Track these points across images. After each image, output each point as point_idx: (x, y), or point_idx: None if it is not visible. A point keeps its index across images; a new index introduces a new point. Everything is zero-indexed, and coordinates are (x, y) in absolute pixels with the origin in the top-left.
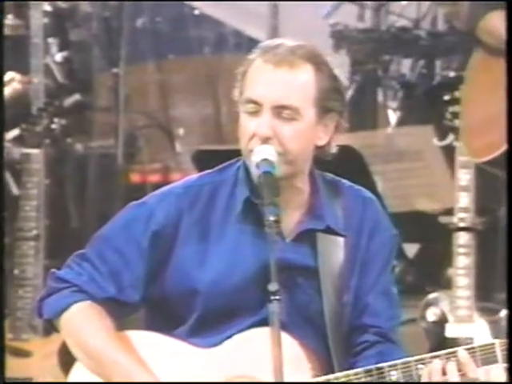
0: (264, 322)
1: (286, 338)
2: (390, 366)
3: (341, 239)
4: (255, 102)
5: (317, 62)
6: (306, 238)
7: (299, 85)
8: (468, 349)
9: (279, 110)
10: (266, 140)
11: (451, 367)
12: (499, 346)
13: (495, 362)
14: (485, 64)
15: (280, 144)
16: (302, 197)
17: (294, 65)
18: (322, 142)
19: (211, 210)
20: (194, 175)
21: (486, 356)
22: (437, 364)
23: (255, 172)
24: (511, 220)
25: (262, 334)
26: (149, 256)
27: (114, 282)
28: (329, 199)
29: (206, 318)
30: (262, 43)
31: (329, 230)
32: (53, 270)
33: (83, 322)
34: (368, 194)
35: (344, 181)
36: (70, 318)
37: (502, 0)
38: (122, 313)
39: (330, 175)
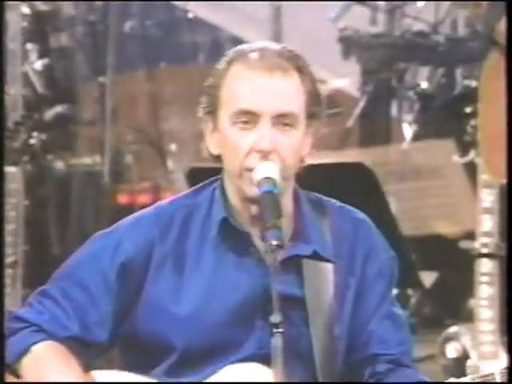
0: (248, 360)
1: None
2: None
3: (330, 265)
4: (251, 113)
5: (300, 64)
6: (291, 264)
7: (294, 89)
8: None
9: (278, 120)
10: (267, 155)
11: None
12: (499, 374)
13: None
14: (500, 69)
15: (280, 159)
16: (285, 218)
17: (285, 69)
18: (305, 155)
19: (185, 237)
20: (166, 199)
21: None
22: None
23: (253, 191)
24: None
25: (247, 369)
26: (117, 290)
27: (78, 319)
28: (315, 221)
29: (184, 356)
30: (232, 50)
31: (316, 256)
32: (10, 309)
33: (45, 364)
34: (359, 214)
35: (333, 201)
36: (31, 360)
37: (502, 0)
38: (88, 353)
39: (314, 194)
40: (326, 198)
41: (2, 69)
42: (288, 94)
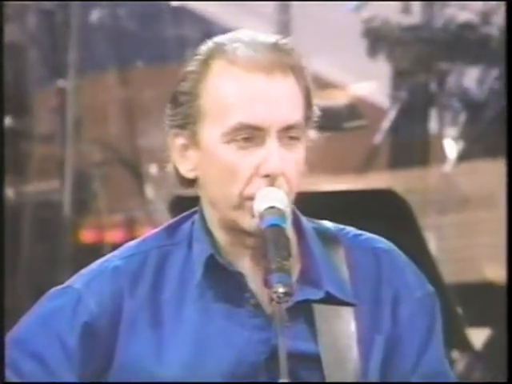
0: None
1: None
2: None
3: (349, 310)
4: (254, 128)
5: (295, 59)
6: (299, 311)
7: (295, 93)
8: None
9: (284, 133)
10: (275, 180)
11: None
12: None
13: None
14: None
15: (287, 181)
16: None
17: (283, 67)
18: (302, 172)
19: (160, 285)
20: (135, 240)
21: None
22: None
23: (254, 226)
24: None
25: None
26: (81, 358)
27: None
28: (326, 255)
29: None
30: (207, 46)
31: (330, 299)
32: None
33: None
34: (383, 243)
35: (346, 228)
36: None
37: (502, 0)
38: None
39: (318, 222)
40: (336, 224)
41: (1, 69)
42: (291, 99)
